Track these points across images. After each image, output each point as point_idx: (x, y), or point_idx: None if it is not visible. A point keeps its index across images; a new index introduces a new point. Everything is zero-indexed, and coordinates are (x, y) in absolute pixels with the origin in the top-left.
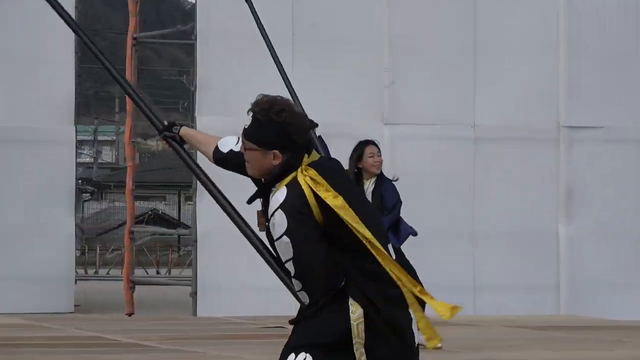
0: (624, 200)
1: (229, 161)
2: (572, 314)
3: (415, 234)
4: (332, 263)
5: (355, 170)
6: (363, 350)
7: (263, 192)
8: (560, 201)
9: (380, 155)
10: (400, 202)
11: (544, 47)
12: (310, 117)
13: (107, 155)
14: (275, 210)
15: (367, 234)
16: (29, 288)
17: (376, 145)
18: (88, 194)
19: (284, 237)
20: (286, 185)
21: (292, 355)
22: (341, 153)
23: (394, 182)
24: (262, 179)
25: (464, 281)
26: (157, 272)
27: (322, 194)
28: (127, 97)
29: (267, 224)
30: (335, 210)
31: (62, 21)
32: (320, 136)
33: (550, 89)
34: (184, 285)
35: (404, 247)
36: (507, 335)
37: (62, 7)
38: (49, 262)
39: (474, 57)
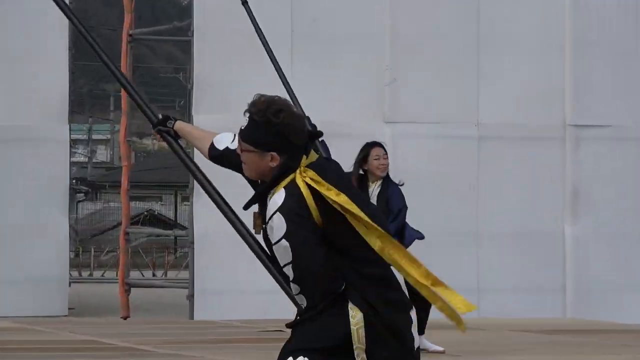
0: (632, 200)
1: (225, 158)
2: (578, 317)
3: (422, 237)
4: (331, 267)
5: (361, 173)
6: (364, 355)
7: (260, 195)
8: (566, 201)
9: (387, 158)
10: (406, 207)
11: (549, 44)
12: (310, 116)
13: (102, 154)
14: (274, 213)
15: (375, 226)
16: (21, 291)
17: (382, 148)
18: (82, 194)
19: (283, 240)
20: (284, 188)
21: (290, 358)
22: (341, 153)
23: (400, 187)
24: (259, 181)
25: (468, 283)
26: (153, 275)
27: (324, 192)
28: (122, 95)
29: (264, 226)
30: (340, 205)
31: (55, 17)
32: (322, 140)
33: (556, 87)
34: (181, 287)
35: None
36: (511, 339)
37: None
38: (43, 263)
39: (478, 54)
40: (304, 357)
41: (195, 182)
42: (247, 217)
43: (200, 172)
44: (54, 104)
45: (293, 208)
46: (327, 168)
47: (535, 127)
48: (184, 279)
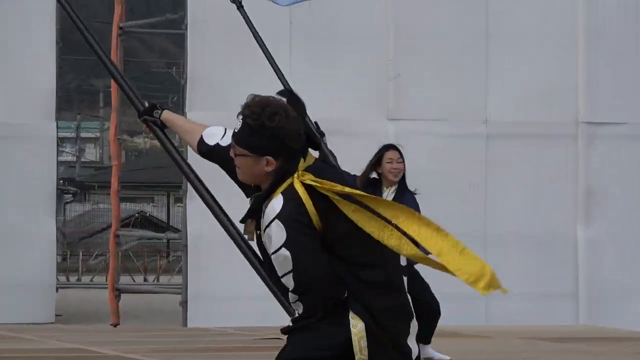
0: None
1: (215, 154)
2: (591, 324)
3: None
4: (332, 274)
5: (375, 177)
6: None
7: (258, 205)
8: (579, 202)
9: (402, 162)
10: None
11: (561, 37)
12: (309, 113)
13: (91, 153)
14: (272, 221)
15: (387, 205)
16: (6, 297)
17: (398, 151)
18: (70, 195)
19: (283, 249)
20: (282, 193)
21: None
22: (341, 152)
23: (415, 196)
24: (252, 185)
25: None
26: (145, 280)
27: (328, 188)
28: (112, 91)
29: (258, 232)
30: (349, 194)
31: (41, 8)
32: (330, 151)
33: (568, 82)
34: (174, 293)
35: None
36: (521, 347)
37: None
38: (28, 268)
39: (486, 48)
40: None
41: (189, 182)
42: (240, 216)
43: (188, 165)
44: (40, 100)
45: (292, 214)
46: (326, 170)
47: (546, 125)
48: (177, 284)
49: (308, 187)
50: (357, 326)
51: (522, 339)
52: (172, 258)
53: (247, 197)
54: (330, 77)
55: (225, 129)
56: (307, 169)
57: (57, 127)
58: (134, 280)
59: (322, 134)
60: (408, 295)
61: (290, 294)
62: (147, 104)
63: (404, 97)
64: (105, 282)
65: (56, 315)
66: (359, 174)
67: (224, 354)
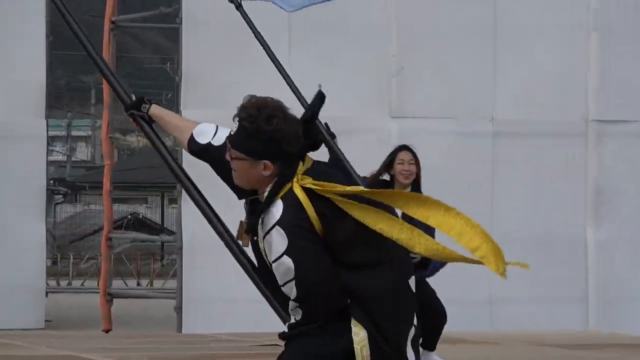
0: None
1: (207, 154)
2: (602, 330)
3: (442, 266)
4: (335, 279)
5: (387, 180)
6: None
7: (260, 214)
8: (589, 202)
9: (414, 164)
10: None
11: (571, 33)
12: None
13: (82, 152)
14: (272, 227)
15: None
16: None
17: (411, 152)
18: (61, 196)
19: (284, 257)
20: (282, 199)
21: None
22: (343, 151)
23: None
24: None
25: (480, 293)
26: (138, 284)
27: (330, 190)
28: (104, 87)
29: (255, 238)
30: (351, 192)
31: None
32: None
33: (578, 79)
34: (168, 298)
35: None
36: (529, 354)
37: None
38: (17, 272)
39: (493, 43)
40: None
41: (177, 180)
42: (234, 219)
43: (176, 162)
44: (29, 98)
45: (292, 220)
46: (326, 172)
47: (555, 123)
48: (171, 289)
49: (308, 191)
50: (359, 334)
51: (529, 345)
52: (166, 261)
53: (239, 198)
54: (331, 74)
55: (217, 127)
56: (307, 172)
57: (47, 125)
58: (127, 285)
59: (333, 135)
60: (416, 300)
61: (291, 302)
62: (134, 98)
63: (408, 94)
64: (96, 287)
65: (46, 320)
66: (362, 174)
67: None
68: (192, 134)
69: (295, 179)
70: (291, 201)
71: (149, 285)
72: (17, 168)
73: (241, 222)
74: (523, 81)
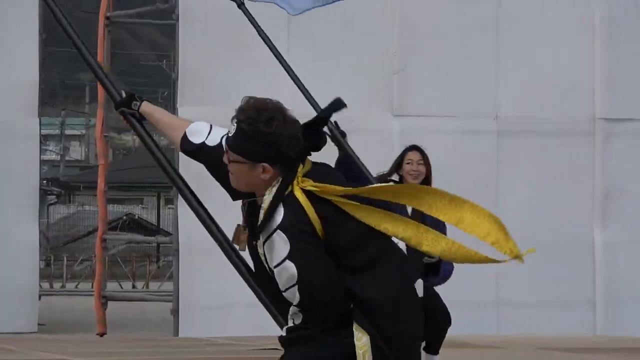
0: None
1: (201, 154)
2: (610, 334)
3: (450, 274)
4: (337, 283)
5: (397, 180)
6: None
7: (265, 222)
8: (596, 203)
9: (423, 164)
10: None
11: (577, 28)
12: (310, 107)
13: (76, 151)
14: (273, 232)
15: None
16: None
17: (419, 152)
18: (54, 197)
19: (287, 262)
20: (282, 202)
21: None
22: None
23: None
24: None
25: (485, 296)
26: (133, 286)
27: (329, 189)
28: (98, 85)
29: (254, 243)
30: (353, 193)
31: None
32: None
33: (584, 76)
34: (164, 301)
35: None
36: (535, 358)
37: None
38: (9, 274)
39: (497, 40)
40: None
41: (168, 178)
42: (230, 222)
43: (169, 162)
44: (21, 95)
45: (294, 224)
46: (326, 173)
47: (561, 121)
48: (168, 291)
49: (308, 194)
50: (361, 339)
51: (535, 349)
52: (162, 263)
53: (234, 200)
54: (331, 73)
55: (211, 126)
56: (307, 174)
57: (40, 124)
58: (122, 287)
59: (344, 134)
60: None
61: (293, 307)
62: (124, 95)
63: (410, 92)
64: (91, 289)
65: (39, 324)
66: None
67: None
68: (185, 133)
69: (295, 182)
70: (293, 205)
71: (144, 288)
72: (9, 168)
73: (238, 225)
74: (527, 79)
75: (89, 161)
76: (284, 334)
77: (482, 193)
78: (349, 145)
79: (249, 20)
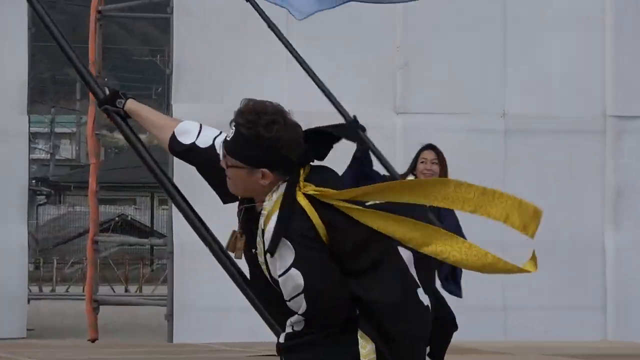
0: None
1: (191, 155)
2: (621, 340)
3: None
4: (341, 289)
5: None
6: None
7: (278, 233)
8: (607, 204)
9: (437, 163)
10: (460, 228)
11: (587, 24)
12: (309, 104)
13: (66, 150)
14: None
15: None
16: None
17: (434, 151)
18: (43, 197)
19: (292, 270)
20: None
21: None
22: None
23: None
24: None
25: (492, 300)
26: (126, 290)
27: (331, 194)
28: None
29: (254, 250)
30: (355, 197)
31: None
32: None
33: (595, 73)
34: (158, 305)
35: None
36: None
37: None
38: None
39: (504, 35)
40: None
41: (155, 179)
42: (223, 228)
43: (156, 162)
44: (10, 92)
45: (298, 230)
46: (328, 177)
47: (571, 119)
48: (162, 295)
49: (311, 198)
50: (366, 347)
51: (544, 355)
52: (156, 266)
53: (224, 203)
54: (334, 70)
55: (201, 126)
56: (308, 178)
57: (29, 122)
58: (114, 291)
59: (363, 129)
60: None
61: (297, 316)
62: (107, 92)
63: (413, 89)
64: (82, 293)
65: (28, 329)
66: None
67: None
68: (173, 132)
69: (297, 187)
70: (294, 209)
71: (137, 292)
72: None
73: (234, 232)
74: (537, 75)
75: (80, 160)
76: (282, 340)
77: None
78: (369, 139)
79: (258, 12)
